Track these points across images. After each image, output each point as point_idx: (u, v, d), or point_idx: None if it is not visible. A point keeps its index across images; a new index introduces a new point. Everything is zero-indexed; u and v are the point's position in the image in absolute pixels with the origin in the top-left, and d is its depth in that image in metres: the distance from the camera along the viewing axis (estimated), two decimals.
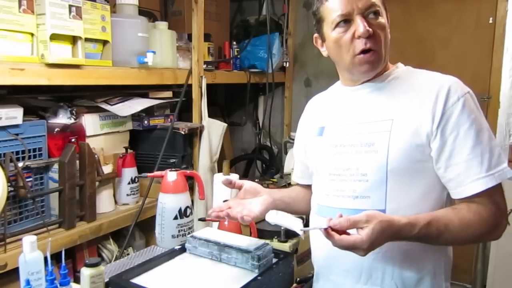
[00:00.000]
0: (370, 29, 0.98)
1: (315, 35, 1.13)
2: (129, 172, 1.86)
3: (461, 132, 0.95)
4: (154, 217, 1.56)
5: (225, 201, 1.57)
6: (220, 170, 1.98)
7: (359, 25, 0.99)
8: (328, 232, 0.88)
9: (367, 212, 0.89)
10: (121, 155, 1.86)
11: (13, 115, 1.41)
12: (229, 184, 1.17)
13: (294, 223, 1.03)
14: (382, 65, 1.06)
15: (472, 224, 0.94)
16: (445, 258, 1.06)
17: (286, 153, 2.76)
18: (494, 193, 0.96)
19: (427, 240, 0.95)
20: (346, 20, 1.01)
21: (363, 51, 1.01)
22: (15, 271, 1.15)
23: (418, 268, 1.02)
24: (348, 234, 0.89)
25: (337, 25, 1.02)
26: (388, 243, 0.91)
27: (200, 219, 1.69)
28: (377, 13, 1.01)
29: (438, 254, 1.04)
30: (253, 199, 1.15)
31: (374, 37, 1.00)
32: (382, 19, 1.02)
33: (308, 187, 1.26)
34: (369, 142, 1.02)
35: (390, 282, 1.02)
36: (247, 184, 1.19)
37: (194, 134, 2.10)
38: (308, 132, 1.21)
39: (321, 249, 1.11)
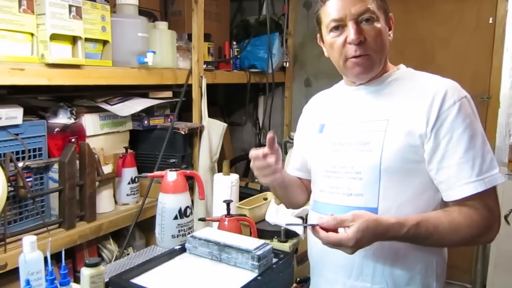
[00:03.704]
0: (361, 36, 1.00)
1: (318, 34, 1.15)
2: (129, 172, 1.86)
3: (455, 136, 0.96)
4: (154, 217, 1.56)
5: (225, 201, 1.59)
6: (220, 170, 1.98)
7: (350, 32, 1.00)
8: (315, 229, 0.91)
9: (354, 212, 0.91)
10: (121, 155, 1.85)
11: (13, 115, 1.41)
12: (273, 142, 1.07)
13: (292, 223, 1.03)
14: (377, 69, 1.06)
15: (462, 226, 0.94)
16: (438, 258, 1.06)
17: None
18: (486, 197, 0.96)
19: (416, 241, 0.96)
20: (340, 25, 1.02)
21: (354, 56, 1.02)
22: (15, 271, 1.15)
23: (409, 267, 1.03)
24: (337, 232, 0.90)
25: (331, 29, 1.04)
26: (379, 241, 0.92)
27: (200, 219, 1.69)
28: (371, 19, 1.01)
29: (430, 254, 1.04)
30: None
31: (365, 44, 1.01)
32: (378, 24, 1.02)
33: (304, 180, 1.28)
34: (364, 141, 1.04)
35: (380, 279, 1.03)
36: (277, 149, 1.11)
37: (194, 134, 2.10)
38: (309, 128, 1.23)
39: (315, 245, 1.12)
